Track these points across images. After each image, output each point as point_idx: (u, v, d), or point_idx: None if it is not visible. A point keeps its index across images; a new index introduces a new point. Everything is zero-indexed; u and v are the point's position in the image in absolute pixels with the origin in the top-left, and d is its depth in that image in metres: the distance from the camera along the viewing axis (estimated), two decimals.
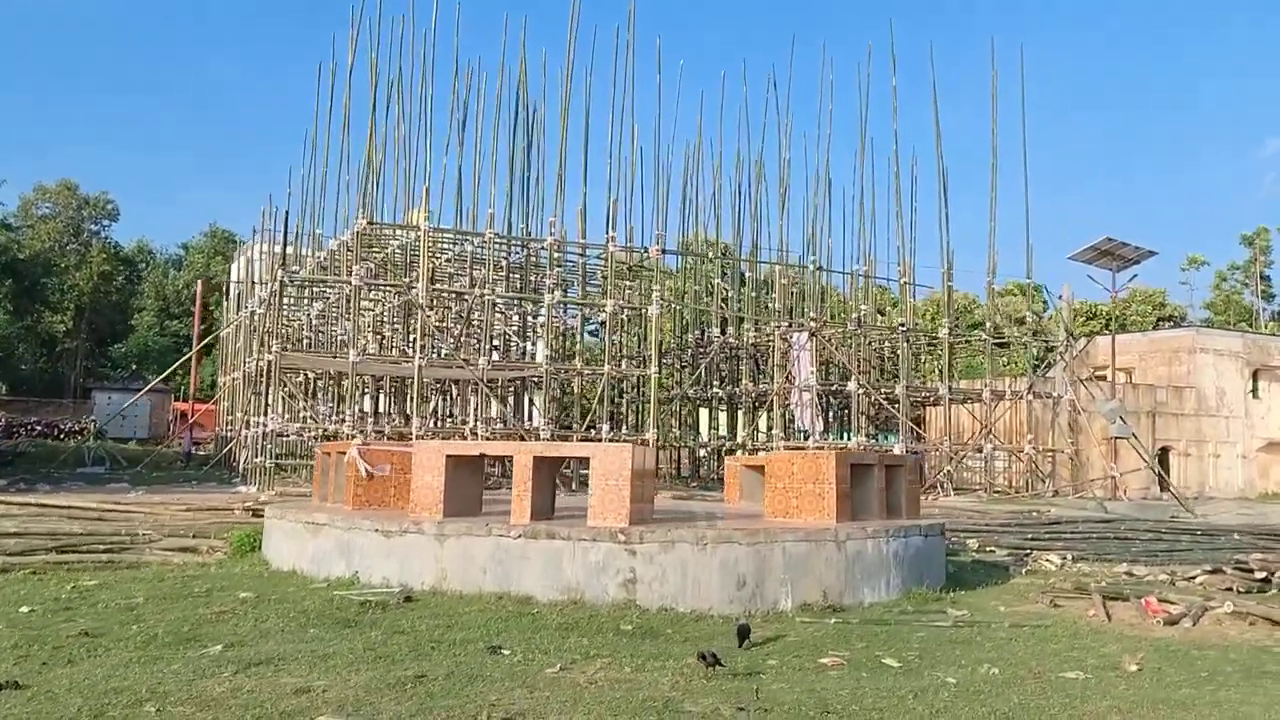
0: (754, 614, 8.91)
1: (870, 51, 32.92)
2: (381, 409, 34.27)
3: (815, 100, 35.65)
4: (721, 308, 33.54)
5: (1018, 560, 14.76)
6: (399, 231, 25.23)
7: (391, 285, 25.74)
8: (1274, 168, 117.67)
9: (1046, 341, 36.11)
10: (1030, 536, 17.87)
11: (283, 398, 30.20)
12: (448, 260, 28.66)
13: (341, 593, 8.87)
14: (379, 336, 29.27)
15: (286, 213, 23.82)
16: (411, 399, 24.50)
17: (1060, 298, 34.79)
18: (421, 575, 9.05)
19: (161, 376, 33.64)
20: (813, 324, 28.97)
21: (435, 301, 27.75)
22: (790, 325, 30.44)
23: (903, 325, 30.22)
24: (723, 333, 33.10)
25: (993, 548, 16.13)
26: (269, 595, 8.79)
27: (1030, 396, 32.92)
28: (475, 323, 25.27)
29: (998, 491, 31.28)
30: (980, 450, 31.86)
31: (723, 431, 34.56)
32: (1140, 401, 46.89)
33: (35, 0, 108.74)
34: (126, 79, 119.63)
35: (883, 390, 30.28)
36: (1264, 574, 11.41)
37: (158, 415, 54.84)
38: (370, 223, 23.61)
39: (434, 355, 25.13)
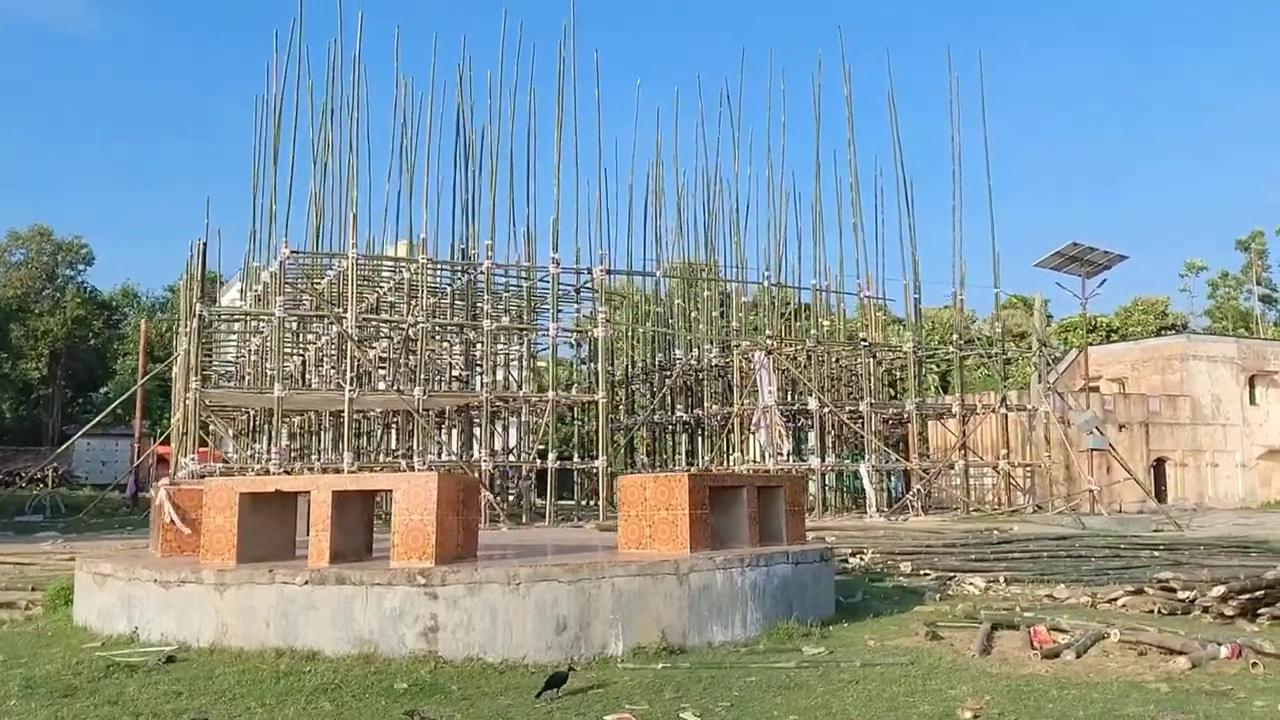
0: (576, 660, 7.89)
1: (820, 61, 32.06)
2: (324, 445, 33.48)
3: (769, 113, 34.97)
4: (685, 329, 32.62)
5: (941, 584, 13.72)
6: (333, 260, 24.43)
7: (317, 315, 24.89)
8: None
9: (1036, 354, 34.82)
10: (975, 557, 16.79)
11: (225, 436, 29.39)
12: (391, 289, 27.85)
13: (107, 653, 7.88)
14: (320, 370, 28.40)
15: (204, 244, 22.96)
16: (346, 432, 23.54)
17: (1034, 308, 33.64)
18: (200, 630, 8.05)
19: (99, 417, 32.57)
20: (769, 343, 28.00)
21: (375, 331, 26.97)
22: (748, 345, 29.48)
23: (864, 340, 29.22)
24: (686, 355, 32.17)
25: (926, 570, 15.09)
26: (22, 658, 7.81)
27: (1004, 410, 31.79)
28: (418, 353, 24.34)
29: (974, 509, 30.10)
30: (952, 467, 30.71)
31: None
32: (1132, 412, 45.66)
33: None
34: (96, 118, 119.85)
35: (847, 409, 29.23)
36: (1187, 594, 10.32)
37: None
38: (293, 251, 22.80)
39: (368, 387, 24.24)
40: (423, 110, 26.38)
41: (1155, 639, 8.21)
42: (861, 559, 16.57)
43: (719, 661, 7.96)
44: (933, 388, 30.78)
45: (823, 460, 28.14)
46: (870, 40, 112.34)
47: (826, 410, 29.13)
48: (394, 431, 28.31)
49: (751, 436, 29.62)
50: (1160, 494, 45.70)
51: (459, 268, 26.10)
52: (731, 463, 29.47)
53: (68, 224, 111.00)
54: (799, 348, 29.17)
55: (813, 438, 29.83)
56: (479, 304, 28.47)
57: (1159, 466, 46.97)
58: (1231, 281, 79.99)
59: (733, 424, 28.83)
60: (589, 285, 26.65)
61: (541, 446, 25.67)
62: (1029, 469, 32.66)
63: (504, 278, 28.40)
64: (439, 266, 26.15)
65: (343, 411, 28.55)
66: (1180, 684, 7.10)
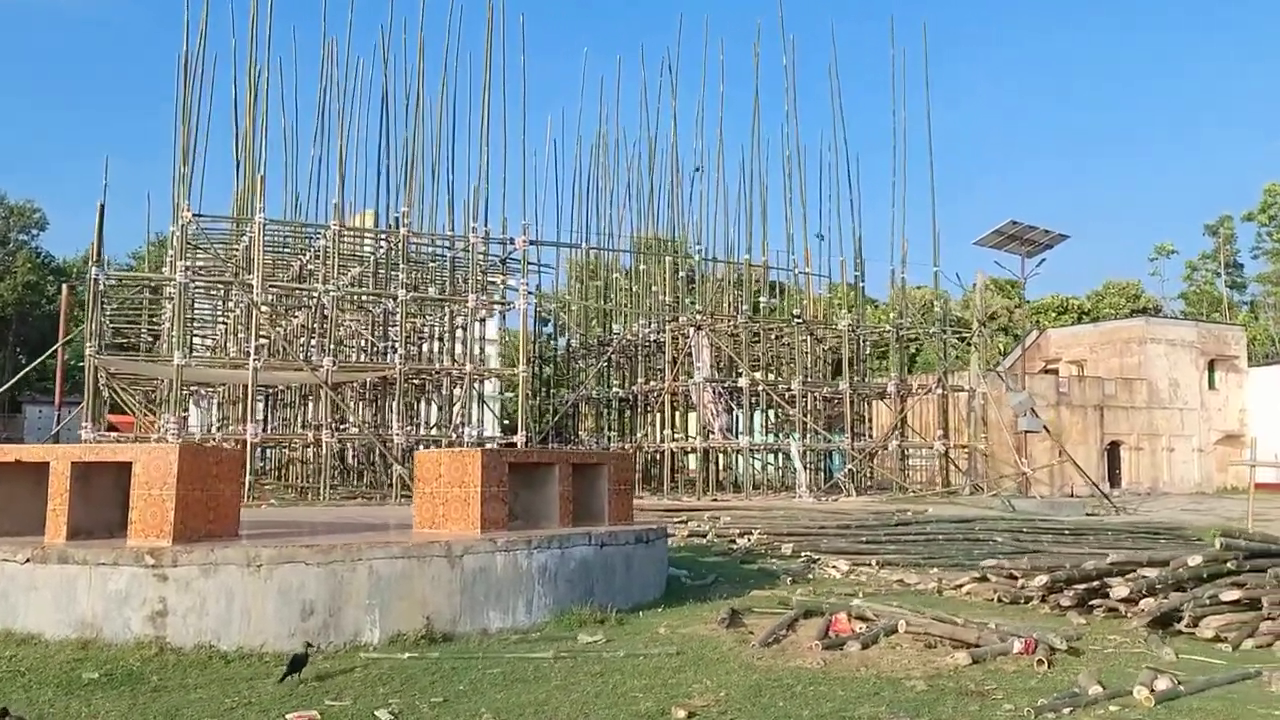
0: (325, 648, 7.35)
1: (759, 30, 31.29)
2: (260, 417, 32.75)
3: (703, 85, 34.24)
4: (626, 303, 32.01)
5: (807, 567, 13.25)
6: (240, 226, 23.70)
7: (220, 282, 24.17)
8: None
9: (974, 335, 34.17)
10: (866, 540, 16.27)
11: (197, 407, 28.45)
12: (313, 259, 27.12)
13: None
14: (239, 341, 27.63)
15: (101, 205, 22.23)
16: (251, 402, 22.86)
17: (973, 285, 33.12)
18: None
19: (9, 383, 31.76)
20: (699, 318, 27.41)
21: (284, 301, 26.27)
22: (684, 320, 28.91)
23: (797, 317, 28.65)
24: (625, 330, 31.55)
25: (808, 552, 14.62)
26: None
27: (940, 390, 31.29)
28: (329, 323, 23.66)
29: (902, 489, 29.63)
30: (886, 447, 30.24)
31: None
32: (1087, 394, 45.32)
33: None
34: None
35: (781, 386, 28.70)
36: (1026, 581, 9.83)
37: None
38: (195, 215, 22.06)
39: (275, 359, 23.59)
40: (354, 75, 25.59)
41: (947, 631, 7.70)
42: (748, 540, 16.12)
43: (474, 651, 7.43)
44: (895, 367, 30.24)
45: (751, 438, 27.64)
46: (815, 11, 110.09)
47: (761, 388, 28.61)
48: (310, 405, 27.66)
49: (695, 412, 29.15)
50: (1114, 477, 45.46)
51: (379, 236, 25.38)
52: (663, 439, 28.97)
53: (54, 195, 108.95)
54: (730, 323, 28.57)
55: (758, 416, 29.33)
56: (412, 274, 27.89)
57: (1113, 450, 46.62)
58: (1210, 265, 79.67)
59: (663, 400, 28.28)
60: (514, 256, 26.01)
61: (459, 421, 25.07)
62: (968, 450, 32.21)
63: (431, 248, 27.75)
64: (356, 235, 25.44)
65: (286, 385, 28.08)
66: (941, 682, 6.61)
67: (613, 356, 32.40)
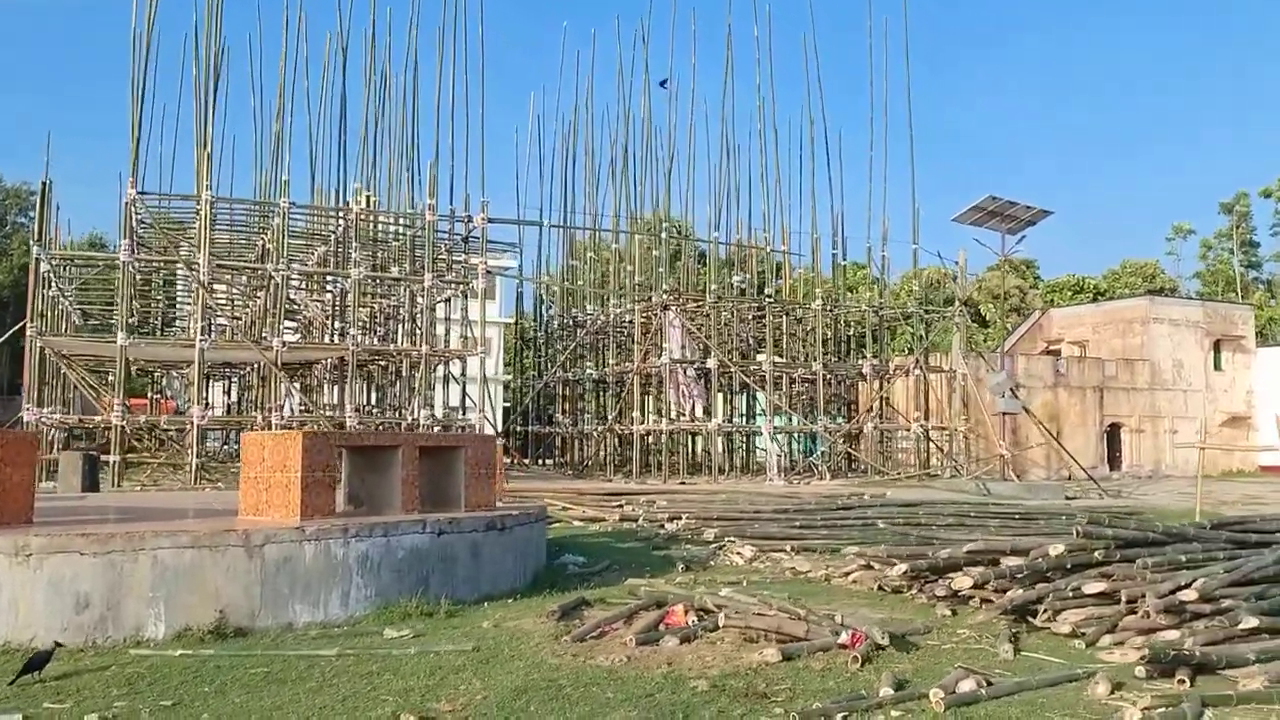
0: (102, 643, 6.90)
1: (730, 2, 30.41)
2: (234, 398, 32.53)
3: (671, 54, 33.33)
4: (600, 284, 31.40)
5: (714, 554, 12.71)
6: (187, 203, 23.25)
7: (166, 260, 23.78)
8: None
9: (955, 315, 33.10)
10: (800, 524, 15.65)
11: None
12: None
13: None
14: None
15: (45, 183, 21.85)
16: (200, 382, 22.49)
17: (955, 264, 32.29)
18: None
19: None
20: (667, 297, 26.77)
21: (257, 282, 25.87)
22: (657, 300, 28.26)
23: (769, 298, 27.95)
24: (598, 310, 30.97)
25: (733, 538, 14.06)
26: None
27: (918, 371, 30.51)
28: (278, 302, 23.25)
29: (880, 472, 28.92)
30: (862, 430, 29.52)
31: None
32: (1087, 376, 44.23)
33: None
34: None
35: (750, 366, 28.01)
36: (907, 568, 9.24)
37: (88, 408, 53.39)
38: (139, 193, 21.63)
39: (224, 338, 23.22)
40: (316, 51, 25.09)
41: (771, 624, 7.14)
42: (676, 525, 15.61)
43: (255, 648, 6.94)
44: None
45: (721, 420, 27.04)
46: None
47: (735, 369, 27.97)
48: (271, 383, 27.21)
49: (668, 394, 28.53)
50: (1114, 460, 44.46)
51: (336, 215, 24.91)
52: (632, 421, 28.39)
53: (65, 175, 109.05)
54: (699, 303, 27.89)
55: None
56: (379, 254, 27.50)
57: (1113, 432, 45.55)
58: (1225, 244, 77.94)
59: (631, 381, 27.71)
60: (474, 234, 25.43)
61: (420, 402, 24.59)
62: (949, 433, 31.40)
63: (394, 227, 27.25)
64: (312, 213, 24.98)
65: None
66: (731, 681, 6.06)
67: (590, 338, 31.85)
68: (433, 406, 29.09)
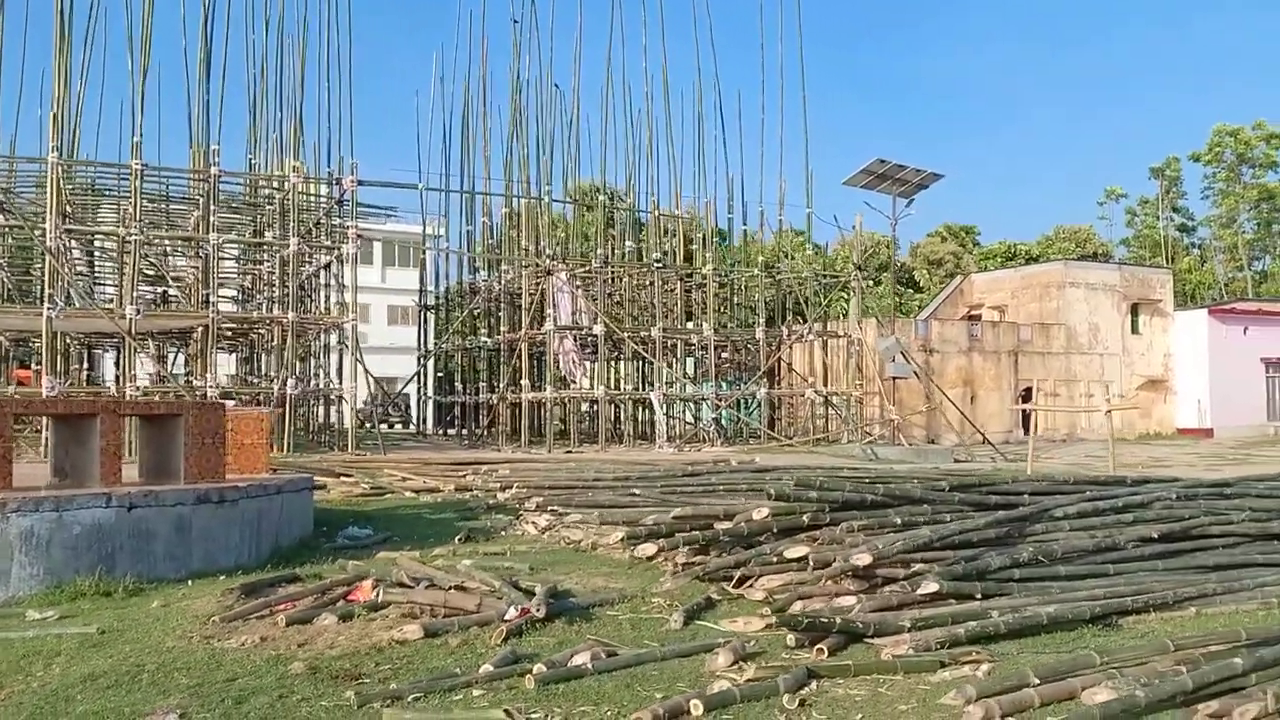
0: None
1: None
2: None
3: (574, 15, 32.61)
4: (493, 250, 30.77)
5: (508, 524, 12.30)
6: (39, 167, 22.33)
7: (12, 226, 22.83)
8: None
9: (852, 279, 32.61)
10: (638, 493, 15.24)
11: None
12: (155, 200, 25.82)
13: None
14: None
15: None
16: (49, 352, 21.62)
17: (853, 229, 32.00)
18: None
19: None
20: (550, 262, 26.22)
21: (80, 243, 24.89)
22: (551, 264, 27.70)
23: (658, 262, 27.51)
24: (489, 276, 30.38)
25: (557, 508, 13.59)
26: None
27: (813, 337, 30.27)
28: (131, 268, 22.36)
29: (773, 438, 28.68)
30: (755, 396, 29.25)
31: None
32: (1001, 340, 44.33)
33: None
34: None
35: (640, 334, 27.56)
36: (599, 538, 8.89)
37: None
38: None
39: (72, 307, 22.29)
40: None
41: (439, 599, 6.69)
42: (507, 494, 15.18)
43: None
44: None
45: (609, 388, 26.64)
46: None
47: (624, 335, 27.53)
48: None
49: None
50: (1028, 424, 44.60)
51: (194, 176, 24.00)
52: (519, 390, 27.84)
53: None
54: (585, 268, 27.37)
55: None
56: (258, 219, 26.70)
57: (1028, 396, 45.68)
58: (1149, 209, 78.59)
59: (519, 349, 27.17)
60: (345, 198, 24.66)
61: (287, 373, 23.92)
62: (846, 398, 31.17)
63: (268, 190, 26.39)
64: (162, 174, 24.09)
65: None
66: (333, 664, 5.61)
67: (485, 305, 31.23)
68: (319, 376, 28.46)
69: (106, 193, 25.65)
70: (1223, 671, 4.55)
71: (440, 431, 34.72)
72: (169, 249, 26.64)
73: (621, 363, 27.22)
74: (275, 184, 24.96)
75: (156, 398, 21.21)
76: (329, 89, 24.85)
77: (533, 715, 4.66)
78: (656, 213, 28.54)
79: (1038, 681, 4.81)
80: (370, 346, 37.40)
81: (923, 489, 8.28)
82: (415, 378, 35.12)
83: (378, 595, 7.15)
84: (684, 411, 30.03)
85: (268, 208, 26.26)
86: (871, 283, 66.70)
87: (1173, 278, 53.40)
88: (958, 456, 27.52)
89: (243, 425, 10.64)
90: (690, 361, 31.54)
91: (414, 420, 39.91)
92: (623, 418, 29.75)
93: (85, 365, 36.22)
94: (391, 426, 37.05)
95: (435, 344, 34.44)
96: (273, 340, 26.62)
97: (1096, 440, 43.14)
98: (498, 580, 7.23)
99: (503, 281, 29.75)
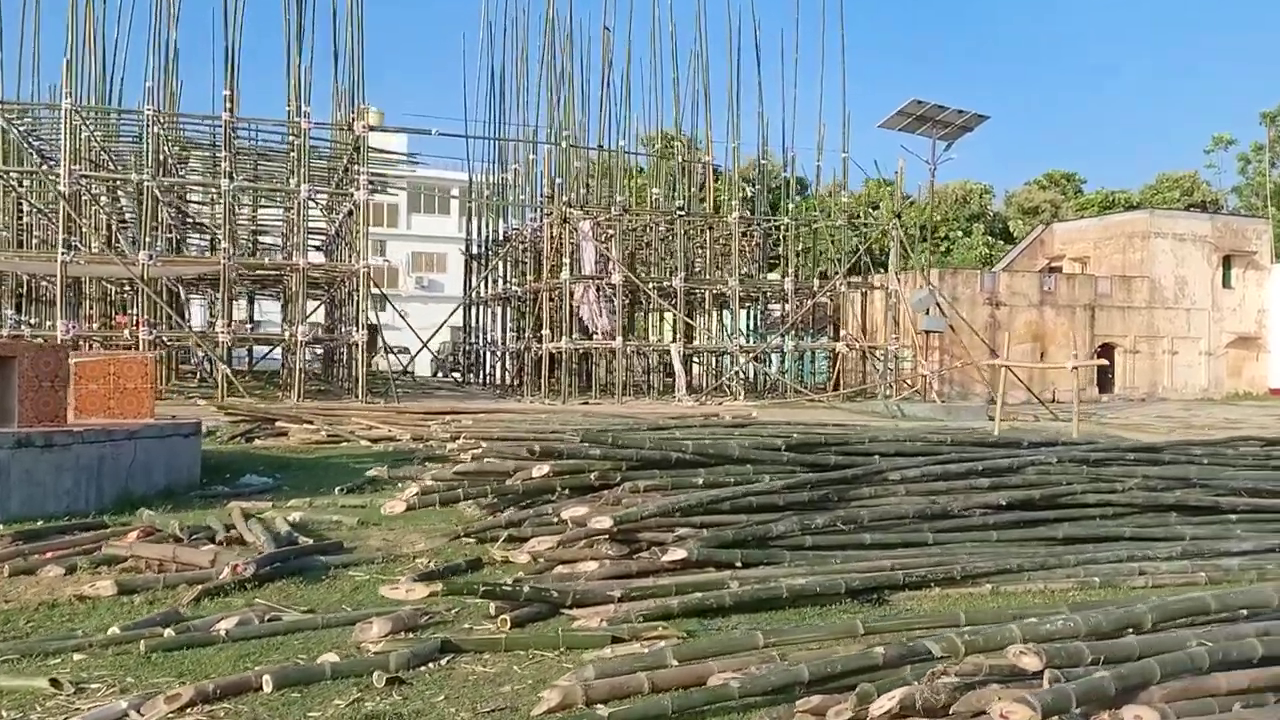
0: None
1: None
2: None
3: None
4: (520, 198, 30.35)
5: (418, 475, 11.88)
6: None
7: (22, 171, 23.29)
8: None
9: (891, 229, 31.02)
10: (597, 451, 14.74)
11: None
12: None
13: None
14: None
15: None
16: (62, 296, 22.13)
17: (896, 174, 30.35)
18: None
19: None
20: (567, 210, 25.63)
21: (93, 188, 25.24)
22: (574, 212, 27.16)
23: (680, 210, 26.63)
24: (521, 225, 29.99)
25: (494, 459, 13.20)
26: None
27: (846, 289, 28.99)
28: (144, 213, 22.68)
29: (798, 393, 27.68)
30: (780, 349, 28.28)
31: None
32: (1077, 294, 41.94)
33: None
34: None
35: (664, 283, 26.84)
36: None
37: None
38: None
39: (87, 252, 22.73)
40: None
41: (167, 554, 6.33)
42: (453, 446, 14.80)
43: None
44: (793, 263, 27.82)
45: (628, 339, 26.10)
46: None
47: (650, 285, 26.87)
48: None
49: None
50: (1105, 383, 42.28)
51: (207, 120, 24.08)
52: (540, 339, 27.47)
53: None
54: (605, 215, 26.68)
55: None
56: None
57: (1106, 353, 43.26)
58: (1263, 155, 73.55)
59: (540, 298, 26.76)
60: (357, 144, 24.47)
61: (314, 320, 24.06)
62: (882, 352, 29.84)
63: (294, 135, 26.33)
64: (178, 120, 24.25)
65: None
66: None
67: (514, 254, 30.89)
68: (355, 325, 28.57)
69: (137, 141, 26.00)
70: (856, 662, 3.84)
71: (470, 382, 34.64)
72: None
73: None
74: (290, 130, 24.93)
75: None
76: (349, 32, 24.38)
77: (90, 685, 4.23)
78: (701, 159, 27.48)
79: (675, 663, 4.18)
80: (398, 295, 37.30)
81: (755, 449, 7.55)
82: (446, 326, 34.80)
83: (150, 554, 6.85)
84: (716, 364, 29.20)
85: (290, 156, 26.33)
86: (961, 234, 64.15)
87: (1273, 228, 49.73)
88: (990, 415, 26.13)
89: (126, 370, 10.48)
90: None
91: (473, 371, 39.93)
92: (647, 370, 29.14)
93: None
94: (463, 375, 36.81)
95: (472, 293, 34.23)
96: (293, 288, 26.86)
97: (1178, 400, 40.71)
98: (263, 534, 6.84)
99: (530, 230, 29.35)
